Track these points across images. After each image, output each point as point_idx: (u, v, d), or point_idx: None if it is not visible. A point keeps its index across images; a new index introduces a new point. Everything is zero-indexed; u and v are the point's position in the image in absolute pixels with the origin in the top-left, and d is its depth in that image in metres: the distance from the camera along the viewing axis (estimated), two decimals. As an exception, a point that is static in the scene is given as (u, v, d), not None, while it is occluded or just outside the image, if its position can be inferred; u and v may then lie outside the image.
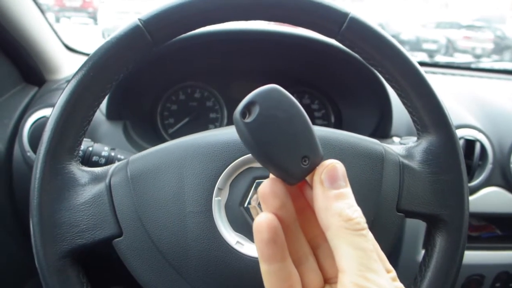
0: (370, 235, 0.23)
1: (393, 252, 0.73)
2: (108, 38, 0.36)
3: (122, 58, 0.36)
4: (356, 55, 0.40)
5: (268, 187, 0.24)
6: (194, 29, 0.38)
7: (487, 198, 0.72)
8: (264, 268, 0.24)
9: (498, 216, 0.75)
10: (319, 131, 0.38)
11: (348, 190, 0.23)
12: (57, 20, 9.51)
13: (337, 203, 0.22)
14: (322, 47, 0.65)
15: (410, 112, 0.40)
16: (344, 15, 0.37)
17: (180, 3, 0.36)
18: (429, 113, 0.39)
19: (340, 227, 0.22)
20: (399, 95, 0.40)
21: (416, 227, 0.70)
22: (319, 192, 0.23)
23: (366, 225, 0.22)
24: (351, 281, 0.21)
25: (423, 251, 0.71)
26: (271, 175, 0.25)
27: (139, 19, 0.35)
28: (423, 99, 0.39)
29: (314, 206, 0.24)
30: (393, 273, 0.24)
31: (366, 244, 0.22)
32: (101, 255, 0.61)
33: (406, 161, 0.39)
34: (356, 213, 0.22)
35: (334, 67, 0.71)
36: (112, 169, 0.37)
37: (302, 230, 0.25)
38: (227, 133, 0.37)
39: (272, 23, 0.47)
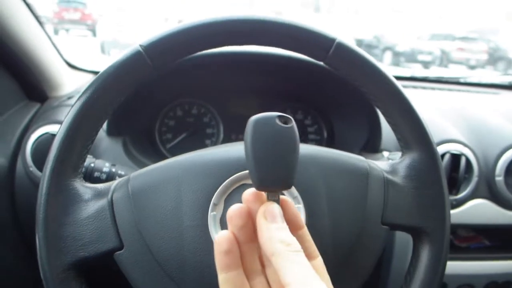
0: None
1: (384, 264, 0.75)
2: (111, 63, 0.38)
3: (124, 82, 0.38)
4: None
5: (236, 209, 0.29)
6: (192, 54, 0.40)
7: (474, 210, 0.74)
8: (221, 277, 0.29)
9: (485, 227, 0.77)
10: (307, 149, 0.40)
11: (285, 225, 0.29)
12: (56, 32, 9.56)
13: (279, 233, 0.28)
14: (313, 68, 0.67)
15: (394, 130, 0.43)
16: (331, 40, 0.39)
17: (178, 29, 0.38)
18: (411, 131, 0.40)
19: (284, 251, 0.27)
20: (384, 114, 0.42)
21: (406, 240, 0.72)
22: (263, 225, 0.28)
23: (301, 249, 0.28)
24: None
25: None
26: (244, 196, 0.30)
27: (140, 45, 0.38)
28: (405, 118, 0.40)
29: (259, 238, 0.28)
30: None
31: (305, 261, 0.27)
32: (102, 268, 0.63)
33: (390, 177, 0.41)
34: (294, 240, 0.28)
35: (326, 85, 0.74)
36: (114, 186, 0.39)
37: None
38: (223, 152, 0.39)
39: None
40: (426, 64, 9.27)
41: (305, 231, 0.31)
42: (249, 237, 0.29)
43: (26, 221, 0.72)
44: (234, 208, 0.29)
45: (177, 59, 0.39)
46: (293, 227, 0.30)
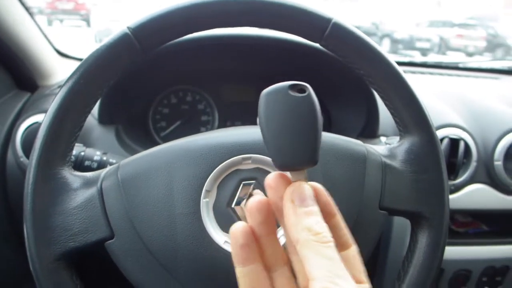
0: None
1: (382, 250, 0.74)
2: (97, 46, 0.37)
3: (111, 65, 0.37)
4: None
5: (255, 203, 0.27)
6: (182, 36, 0.39)
7: (472, 195, 0.74)
8: (239, 270, 0.27)
9: (484, 212, 0.77)
10: None
11: (316, 208, 0.25)
12: (50, 23, 9.45)
13: (306, 219, 0.25)
14: (309, 51, 0.66)
15: (392, 114, 0.42)
16: (327, 20, 0.38)
17: (167, 11, 0.37)
18: (410, 114, 0.40)
19: (310, 240, 0.24)
20: (382, 97, 0.41)
21: (404, 226, 0.72)
22: (289, 210, 0.25)
23: (332, 239, 0.25)
24: (321, 286, 0.23)
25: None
26: (268, 188, 0.27)
27: (127, 27, 0.36)
28: (404, 100, 0.40)
29: (285, 222, 0.26)
30: (367, 285, 0.27)
31: (334, 254, 0.24)
32: (95, 257, 0.62)
33: (388, 161, 0.40)
34: (324, 228, 0.25)
35: (322, 69, 0.73)
36: (103, 174, 0.38)
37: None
38: (215, 137, 0.38)
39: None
40: (424, 51, 9.22)
41: (338, 218, 0.28)
42: (269, 231, 0.27)
43: (17, 212, 0.71)
44: (254, 201, 0.27)
45: (166, 42, 0.38)
46: (325, 217, 0.26)
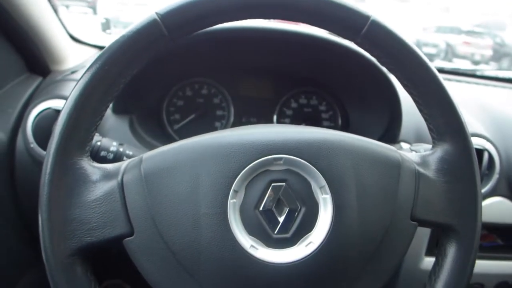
0: None
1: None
2: (124, 32, 0.35)
3: (137, 52, 0.35)
4: (371, 57, 0.39)
5: None
6: (213, 25, 0.37)
7: (491, 208, 0.72)
8: None
9: (501, 226, 0.75)
10: (336, 135, 0.37)
11: None
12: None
13: None
14: (333, 48, 0.64)
15: (426, 120, 0.40)
16: (365, 18, 0.36)
17: None
18: (447, 121, 0.38)
19: None
20: (416, 102, 0.40)
21: (419, 235, 0.70)
22: None
23: None
24: None
25: (426, 259, 0.72)
26: None
27: (156, 13, 0.35)
28: (441, 107, 0.38)
29: None
30: None
31: None
32: (109, 253, 0.61)
33: (421, 169, 0.38)
34: None
35: (345, 68, 0.71)
36: (124, 166, 0.36)
37: None
38: (244, 134, 0.36)
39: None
40: (430, 57, 9.02)
41: None
42: None
43: (26, 199, 0.69)
44: None
45: (195, 31, 0.36)
46: None
